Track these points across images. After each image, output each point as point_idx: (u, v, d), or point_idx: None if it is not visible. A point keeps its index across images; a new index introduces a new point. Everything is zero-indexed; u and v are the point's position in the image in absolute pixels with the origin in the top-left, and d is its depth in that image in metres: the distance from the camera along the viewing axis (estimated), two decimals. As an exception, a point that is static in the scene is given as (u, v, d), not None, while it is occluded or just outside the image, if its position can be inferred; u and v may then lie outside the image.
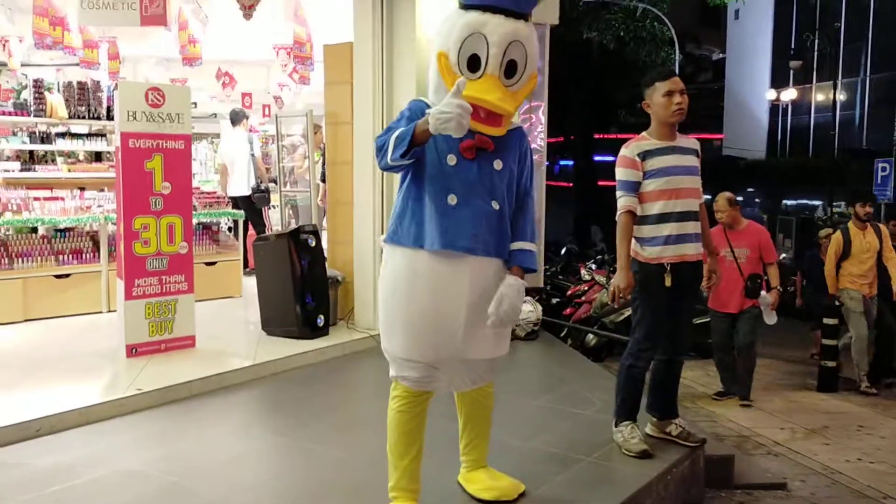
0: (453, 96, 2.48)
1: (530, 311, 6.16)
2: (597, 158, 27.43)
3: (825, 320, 7.14)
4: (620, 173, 3.69)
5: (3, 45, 9.05)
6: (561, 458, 3.60)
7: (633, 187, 3.64)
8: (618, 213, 3.67)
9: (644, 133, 3.75)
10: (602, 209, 24.99)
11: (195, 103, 12.23)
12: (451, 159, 2.70)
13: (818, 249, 9.00)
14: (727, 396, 6.54)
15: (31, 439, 3.75)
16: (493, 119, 2.67)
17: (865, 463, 4.99)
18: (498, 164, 2.76)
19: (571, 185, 27.49)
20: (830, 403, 6.71)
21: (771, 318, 6.17)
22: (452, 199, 2.69)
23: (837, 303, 7.17)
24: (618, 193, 3.69)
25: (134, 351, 4.92)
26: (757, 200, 24.31)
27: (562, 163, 29.81)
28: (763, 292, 6.19)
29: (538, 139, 6.91)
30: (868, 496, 4.42)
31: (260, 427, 4.19)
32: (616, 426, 3.78)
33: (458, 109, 2.45)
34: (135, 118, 4.84)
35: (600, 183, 26.91)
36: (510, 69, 2.67)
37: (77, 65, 8.96)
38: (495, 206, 2.75)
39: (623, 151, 3.71)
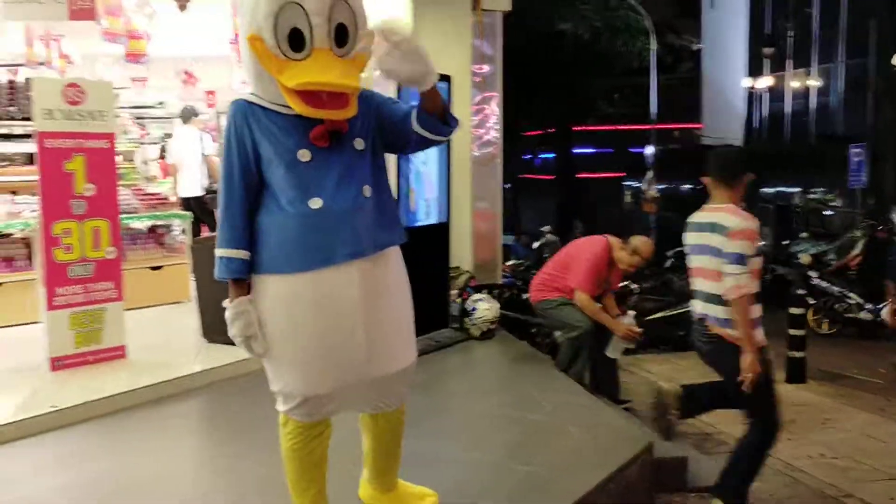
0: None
1: (486, 308, 5.93)
2: (576, 151, 27.27)
3: (790, 310, 6.95)
4: (744, 246, 3.27)
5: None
6: (499, 467, 3.39)
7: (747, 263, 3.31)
8: (735, 292, 3.27)
9: (731, 205, 3.42)
10: (582, 201, 24.84)
11: (162, 103, 11.85)
12: (305, 155, 2.27)
13: None
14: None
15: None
16: (337, 100, 2.24)
17: (827, 458, 4.82)
18: (359, 144, 2.36)
19: (553, 177, 27.30)
20: (798, 395, 6.54)
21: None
22: (316, 203, 2.27)
23: None
24: (736, 269, 3.27)
25: (59, 364, 4.65)
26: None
27: (542, 156, 29.64)
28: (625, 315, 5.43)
29: (492, 131, 6.70)
30: (828, 494, 4.24)
31: (183, 443, 3.93)
32: None
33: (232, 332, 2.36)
34: (52, 116, 4.56)
35: (579, 175, 26.77)
36: (340, 35, 2.24)
37: (22, 64, 8.64)
38: (367, 192, 2.36)
39: (748, 223, 3.30)
